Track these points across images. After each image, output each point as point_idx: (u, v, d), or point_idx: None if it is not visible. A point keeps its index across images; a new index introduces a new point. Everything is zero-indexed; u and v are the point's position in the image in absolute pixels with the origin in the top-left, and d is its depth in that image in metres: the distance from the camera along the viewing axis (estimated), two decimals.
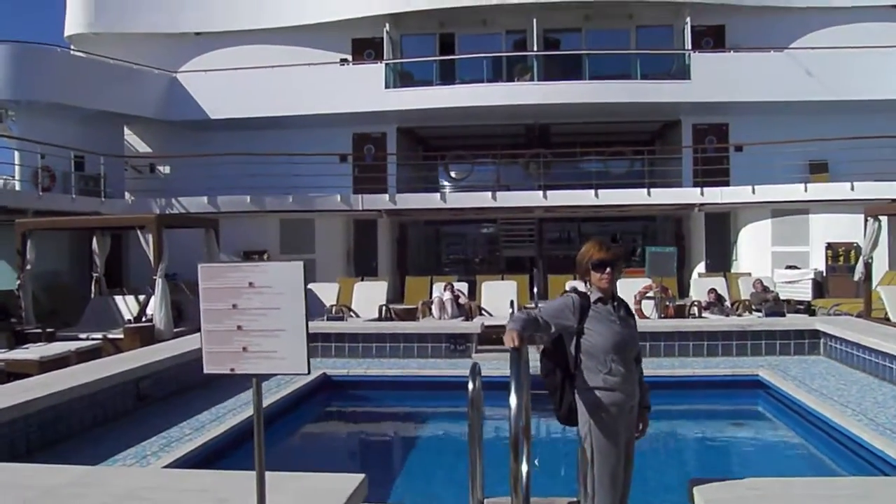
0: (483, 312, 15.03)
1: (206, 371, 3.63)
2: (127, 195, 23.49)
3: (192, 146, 24.27)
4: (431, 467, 8.16)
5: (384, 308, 15.56)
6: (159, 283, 12.93)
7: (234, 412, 8.37)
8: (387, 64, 23.74)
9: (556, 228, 27.57)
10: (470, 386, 5.27)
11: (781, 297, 16.89)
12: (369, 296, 15.61)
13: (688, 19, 23.35)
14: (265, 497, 3.61)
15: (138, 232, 13.15)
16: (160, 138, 25.36)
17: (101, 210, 19.94)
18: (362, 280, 17.77)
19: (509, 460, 4.10)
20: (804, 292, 18.48)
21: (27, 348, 11.11)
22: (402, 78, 24.26)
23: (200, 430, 7.58)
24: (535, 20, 23.28)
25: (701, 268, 22.16)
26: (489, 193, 22.24)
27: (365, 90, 23.27)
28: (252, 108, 23.51)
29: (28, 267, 13.81)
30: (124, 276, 20.70)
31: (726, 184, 22.49)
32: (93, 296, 15.16)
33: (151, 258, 13.11)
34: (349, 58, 24.84)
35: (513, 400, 4.03)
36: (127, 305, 14.58)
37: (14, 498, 3.90)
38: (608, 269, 4.42)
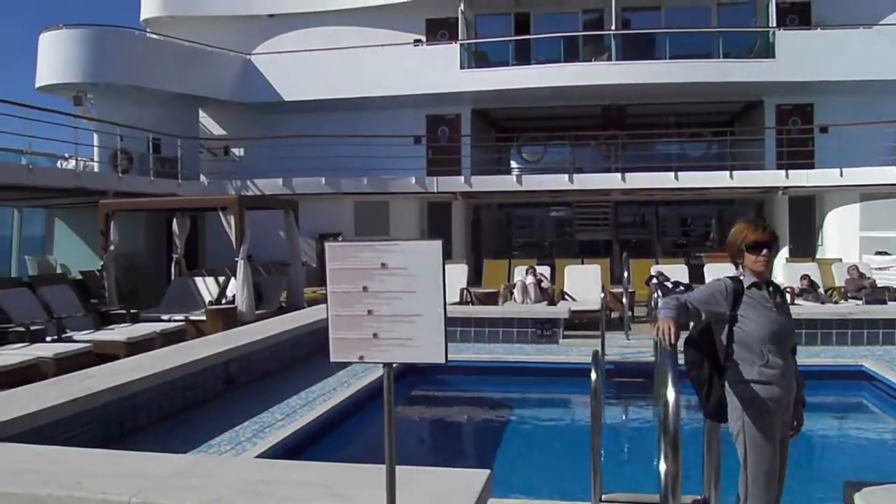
0: (566, 297, 14.66)
1: (332, 359, 3.35)
2: (202, 177, 23.58)
3: (265, 128, 24.22)
4: (526, 457, 7.89)
5: (465, 291, 15.26)
6: (241, 264, 12.80)
7: (322, 397, 8.15)
8: (462, 44, 23.36)
9: (631, 212, 27.02)
10: (592, 375, 4.94)
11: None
12: (449, 279, 15.23)
13: None
14: (395, 494, 3.33)
15: (220, 213, 13.03)
16: (234, 121, 25.38)
17: (177, 192, 20.01)
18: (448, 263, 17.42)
19: (658, 458, 3.75)
20: (894, 279, 17.68)
21: (112, 329, 11.07)
22: (476, 58, 23.91)
23: (292, 416, 7.37)
24: None
25: (784, 253, 21.42)
26: (566, 176, 21.81)
27: (439, 71, 22.93)
28: (325, 89, 23.34)
29: (111, 248, 13.80)
30: (200, 258, 20.77)
31: (811, 166, 21.72)
32: (173, 277, 15.13)
33: (233, 239, 12.98)
34: (423, 38, 24.48)
35: (670, 395, 3.66)
36: (207, 287, 14.52)
37: (127, 488, 3.68)
38: (764, 251, 4.04)
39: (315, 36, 24.27)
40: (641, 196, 23.45)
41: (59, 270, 20.04)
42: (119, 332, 10.53)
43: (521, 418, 9.43)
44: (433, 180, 21.87)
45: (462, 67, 23.11)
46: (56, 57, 21.14)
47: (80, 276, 16.77)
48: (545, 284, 14.63)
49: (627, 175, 21.67)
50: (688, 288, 14.64)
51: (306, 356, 9.95)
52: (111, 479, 3.95)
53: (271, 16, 25.00)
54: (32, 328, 9.94)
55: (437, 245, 3.25)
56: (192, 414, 7.43)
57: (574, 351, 10.91)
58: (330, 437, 7.54)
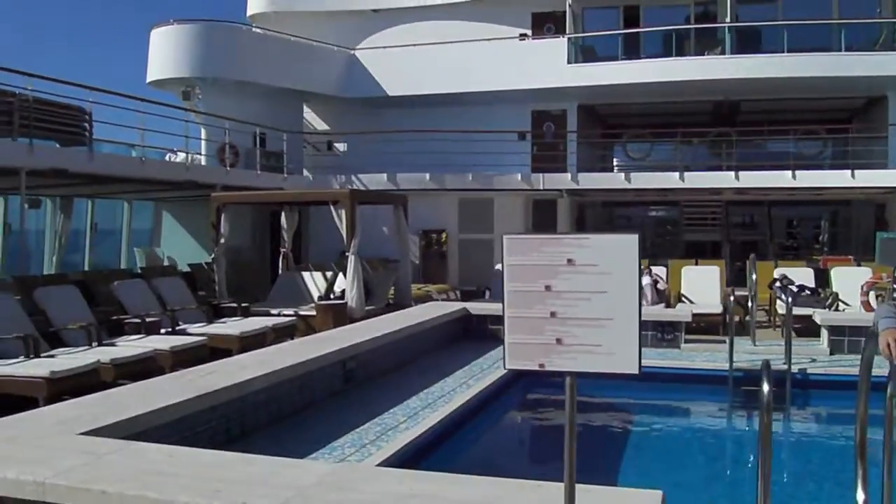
0: (683, 299, 14.05)
1: (507, 367, 2.99)
2: (304, 172, 23.60)
3: (368, 123, 24.13)
4: (655, 467, 7.40)
5: None
6: (352, 259, 12.61)
7: (443, 398, 7.81)
8: (569, 38, 22.82)
9: (740, 212, 26.06)
10: (764, 387, 4.43)
11: None
12: None
13: None
14: None
15: (331, 207, 12.85)
16: (337, 115, 25.38)
17: (283, 186, 20.01)
18: None
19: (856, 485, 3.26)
20: None
21: (225, 322, 10.97)
22: (584, 53, 23.32)
23: (414, 418, 7.04)
24: None
25: None
26: (676, 174, 21.09)
27: (546, 66, 22.45)
28: (430, 84, 23.11)
29: (222, 241, 13.78)
30: (303, 253, 20.77)
31: None
32: (280, 271, 15.05)
33: (344, 234, 12.80)
34: (528, 33, 24.01)
35: None
36: (314, 282, 14.39)
37: (272, 499, 3.39)
38: None
39: (419, 31, 24.03)
40: (754, 196, 22.58)
41: (165, 263, 20.31)
42: (232, 326, 10.42)
43: (652, 428, 8.97)
44: (539, 177, 21.42)
45: (569, 62, 22.59)
46: (166, 52, 21.46)
47: (188, 269, 16.86)
48: (661, 286, 14.07)
49: (741, 174, 20.84)
50: (814, 292, 13.89)
51: (422, 355, 9.66)
52: (250, 486, 3.67)
53: (375, 11, 24.86)
54: (148, 320, 9.90)
55: (633, 239, 2.85)
56: (309, 413, 7.18)
57: (698, 356, 10.38)
58: (452, 442, 7.20)
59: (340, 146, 25.23)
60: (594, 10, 24.12)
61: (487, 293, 15.03)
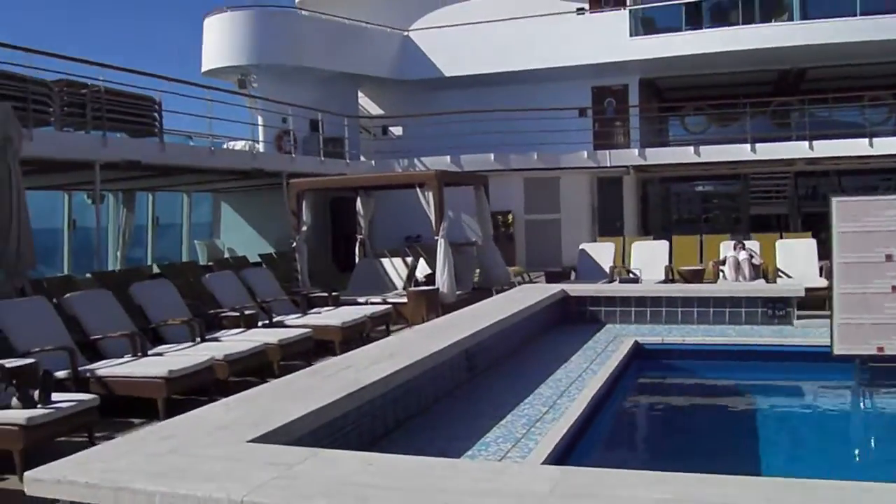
0: (781, 274, 13.49)
1: (837, 351, 2.52)
2: (361, 157, 23.20)
3: (424, 106, 23.65)
4: (786, 453, 6.92)
5: (668, 269, 14.27)
6: (442, 243, 12.17)
7: (575, 385, 7.33)
8: (631, 10, 22.16)
9: (808, 184, 25.31)
10: None
11: None
12: (651, 255, 14.33)
13: None
14: None
15: (418, 190, 12.41)
16: (392, 99, 24.96)
17: (345, 172, 19.63)
18: (642, 240, 16.40)
19: None
20: None
21: (320, 313, 10.57)
22: (644, 25, 22.64)
23: (556, 408, 6.57)
24: None
25: None
26: (747, 146, 20.48)
27: (606, 40, 21.86)
28: (487, 63, 22.69)
29: (304, 228, 13.40)
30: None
31: None
32: (357, 259, 14.64)
33: (432, 217, 12.37)
34: (586, 6, 23.33)
35: None
36: (395, 268, 13.98)
37: None
38: None
39: (473, 9, 23.46)
40: (824, 166, 21.85)
41: (226, 255, 20.03)
42: (331, 316, 10.03)
43: (782, 412, 8.46)
44: (605, 154, 20.90)
45: (631, 35, 21.92)
46: (221, 40, 21.14)
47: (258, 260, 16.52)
48: (756, 261, 13.50)
49: (815, 143, 20.17)
50: None
51: (530, 340, 9.21)
52: (479, 497, 3.23)
53: None
54: (246, 312, 9.53)
55: None
56: (442, 407, 6.74)
57: (814, 332, 9.83)
58: (595, 432, 6.75)
59: (396, 130, 24.75)
60: None
61: (573, 274, 14.53)
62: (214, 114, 16.39)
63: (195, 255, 20.31)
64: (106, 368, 7.16)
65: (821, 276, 13.53)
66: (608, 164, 20.75)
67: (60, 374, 6.87)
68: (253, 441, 4.25)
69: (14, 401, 5.81)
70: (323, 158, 19.51)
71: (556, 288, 11.13)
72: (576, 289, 11.14)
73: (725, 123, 24.77)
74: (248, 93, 21.11)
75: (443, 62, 23.19)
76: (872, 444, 7.66)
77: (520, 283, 17.24)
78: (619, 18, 22.14)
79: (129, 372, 6.99)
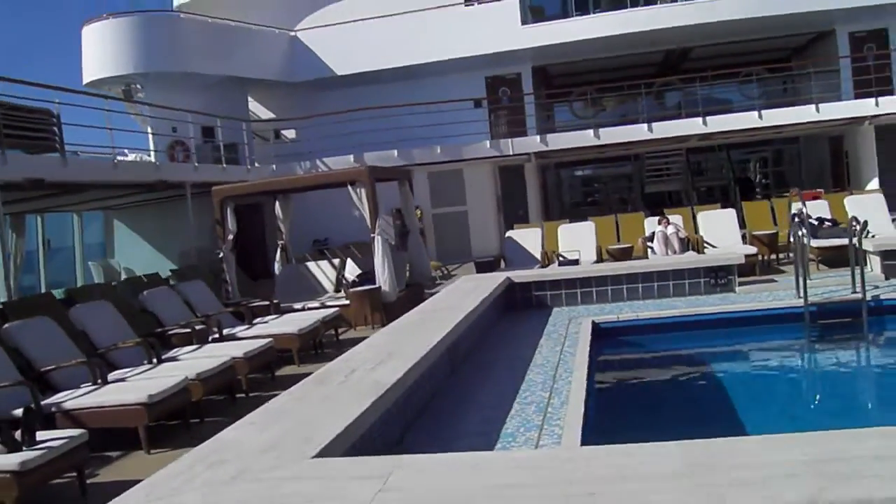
0: (707, 245, 13.75)
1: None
2: (255, 163, 22.51)
3: (317, 106, 23.14)
4: (763, 411, 7.19)
5: (600, 249, 14.36)
6: (378, 241, 11.83)
7: (563, 369, 7.19)
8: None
9: (699, 160, 26.15)
10: None
11: None
12: (580, 238, 14.33)
13: None
14: None
15: (349, 188, 12.02)
16: (283, 102, 24.28)
17: (247, 178, 18.97)
18: (562, 223, 16.41)
19: None
20: None
21: (267, 323, 10.07)
22: (532, 13, 22.78)
23: (557, 393, 6.41)
24: None
25: (874, 185, 20.53)
26: (644, 126, 20.89)
27: (498, 29, 21.89)
28: (379, 59, 22.36)
29: (230, 237, 12.81)
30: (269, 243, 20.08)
31: (890, 93, 20.80)
32: (278, 264, 14.09)
33: (366, 214, 12.00)
34: None
35: None
36: (322, 271, 13.56)
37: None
38: None
39: (360, 5, 23.01)
40: (717, 140, 22.56)
41: (123, 275, 19.10)
42: (285, 324, 9.54)
43: (748, 374, 8.79)
44: (508, 143, 20.93)
45: (523, 23, 22.00)
46: (102, 49, 20.08)
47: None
48: (682, 234, 13.72)
49: (708, 119, 20.75)
50: (834, 223, 13.75)
51: (490, 329, 9.06)
52: (618, 483, 3.03)
53: None
54: (197, 328, 9.00)
55: None
56: (441, 404, 6.49)
57: (759, 297, 10.09)
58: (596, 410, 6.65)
59: (289, 134, 24.11)
60: None
61: (503, 262, 14.43)
62: (110, 126, 15.52)
63: (90, 277, 19.29)
64: (73, 400, 6.55)
65: (744, 243, 13.94)
66: (511, 153, 20.77)
67: (18, 412, 6.25)
68: (317, 457, 3.92)
69: None
70: (224, 166, 18.82)
71: (502, 276, 11.00)
72: (520, 275, 11.08)
73: (615, 106, 25.29)
74: (140, 102, 20.16)
75: (334, 61, 22.74)
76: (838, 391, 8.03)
77: (440, 277, 17.10)
78: (510, 7, 22.16)
79: (101, 402, 6.41)
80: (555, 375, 7.14)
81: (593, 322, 9.54)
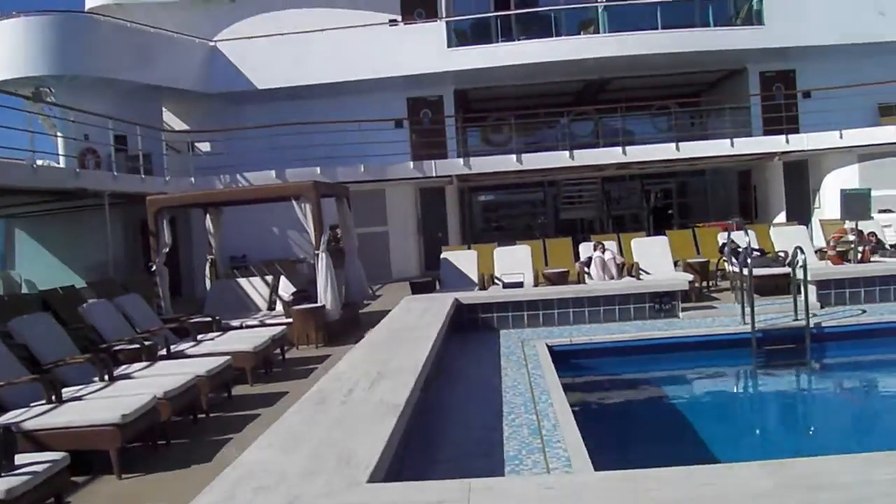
0: (642, 272, 13.91)
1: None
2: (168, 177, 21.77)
3: (234, 119, 22.70)
4: (722, 434, 7.38)
5: (537, 273, 14.34)
6: (323, 257, 11.50)
7: (541, 391, 7.08)
8: (448, 22, 22.25)
9: (612, 188, 26.66)
10: None
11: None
12: (516, 261, 14.26)
13: None
14: None
15: (294, 203, 11.66)
16: (198, 113, 23.52)
17: (166, 190, 18.28)
18: (493, 246, 16.32)
19: None
20: None
21: (212, 339, 9.59)
22: (458, 37, 22.82)
23: (545, 416, 6.29)
24: None
25: (781, 218, 21.33)
26: (566, 153, 21.18)
27: (422, 51, 21.83)
28: (301, 75, 21.95)
29: (165, 250, 12.24)
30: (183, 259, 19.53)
31: (796, 131, 21.71)
32: (208, 280, 13.59)
33: (311, 230, 11.66)
34: (398, 18, 23.12)
35: None
36: (255, 287, 13.11)
37: None
38: None
39: (283, 19, 22.61)
40: (634, 170, 23.13)
41: (24, 288, 18.12)
42: (238, 341, 9.09)
43: (702, 397, 9.06)
44: (431, 164, 20.81)
45: (450, 46, 22.01)
46: (14, 48, 19.03)
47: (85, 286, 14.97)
48: (619, 260, 13.86)
49: (628, 148, 21.19)
50: (762, 253, 14.11)
51: (443, 349, 8.93)
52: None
53: (232, 0, 23.17)
54: (147, 343, 8.49)
55: None
56: (424, 424, 6.27)
57: (703, 322, 10.31)
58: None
59: (204, 146, 23.37)
60: None
61: (438, 283, 14.25)
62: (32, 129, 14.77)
63: None
64: (31, 421, 6.03)
65: (675, 270, 14.15)
66: (434, 174, 20.67)
67: None
68: (371, 482, 3.68)
69: None
70: (143, 176, 18.11)
71: (449, 297, 10.87)
72: (467, 297, 10.98)
73: (531, 133, 25.54)
74: (53, 104, 19.23)
75: (254, 74, 22.22)
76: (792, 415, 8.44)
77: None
78: (436, 30, 22.15)
79: (66, 422, 5.92)
80: (534, 398, 7.02)
81: (547, 345, 9.51)
